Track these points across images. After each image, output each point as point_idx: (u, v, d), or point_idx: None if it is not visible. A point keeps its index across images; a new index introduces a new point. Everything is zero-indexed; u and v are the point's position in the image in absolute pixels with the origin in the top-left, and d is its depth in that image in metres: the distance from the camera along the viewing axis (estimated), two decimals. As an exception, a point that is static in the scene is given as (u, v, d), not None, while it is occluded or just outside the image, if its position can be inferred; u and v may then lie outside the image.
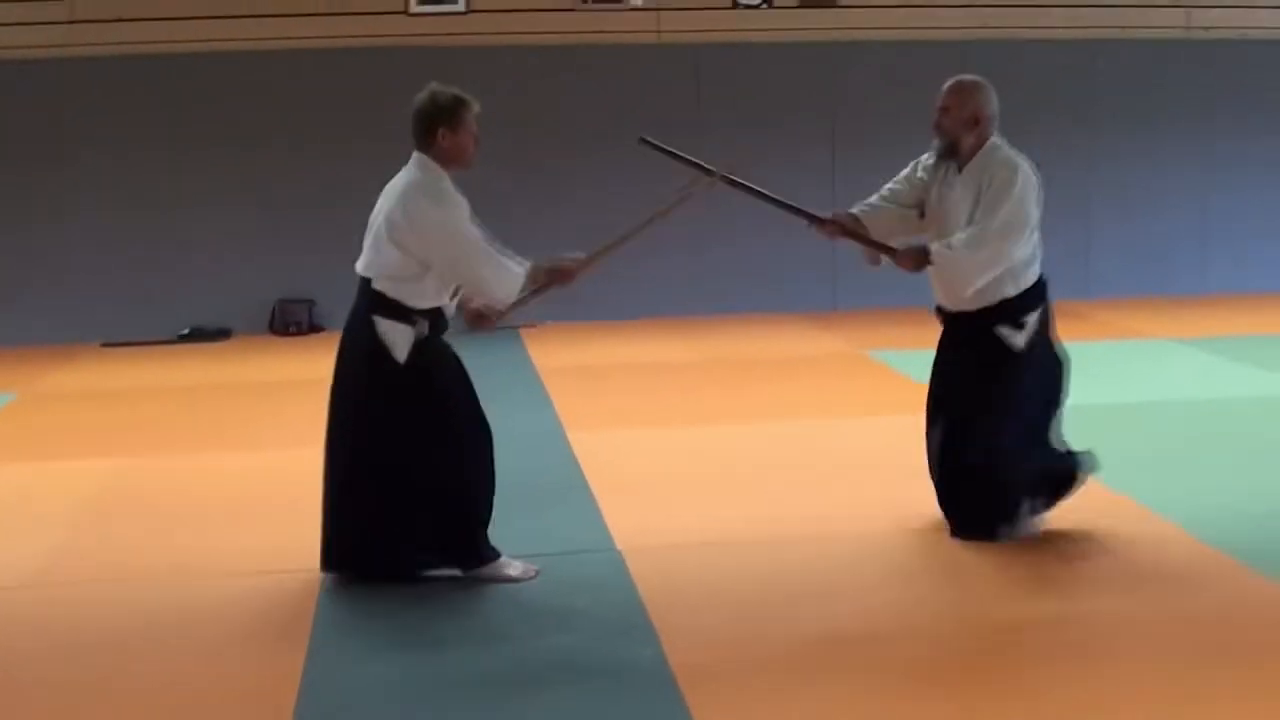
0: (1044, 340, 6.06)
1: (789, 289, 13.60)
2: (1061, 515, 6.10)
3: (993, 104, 6.02)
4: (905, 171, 6.28)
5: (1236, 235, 14.29)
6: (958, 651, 4.97)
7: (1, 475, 7.95)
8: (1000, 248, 5.84)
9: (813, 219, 6.19)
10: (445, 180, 5.65)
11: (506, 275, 5.63)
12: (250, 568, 6.09)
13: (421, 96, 5.70)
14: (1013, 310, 5.99)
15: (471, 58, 13.01)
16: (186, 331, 12.94)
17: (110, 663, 5.06)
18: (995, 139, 6.02)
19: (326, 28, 12.98)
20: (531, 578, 5.76)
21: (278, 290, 13.17)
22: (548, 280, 5.79)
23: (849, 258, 13.05)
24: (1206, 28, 13.99)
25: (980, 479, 6.00)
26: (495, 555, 5.80)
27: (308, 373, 10.96)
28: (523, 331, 12.27)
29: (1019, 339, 5.97)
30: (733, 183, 6.27)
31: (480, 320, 5.83)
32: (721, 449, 8.07)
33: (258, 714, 4.53)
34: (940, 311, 6.23)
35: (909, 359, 10.01)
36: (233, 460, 8.16)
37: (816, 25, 13.52)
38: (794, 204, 6.21)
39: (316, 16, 12.95)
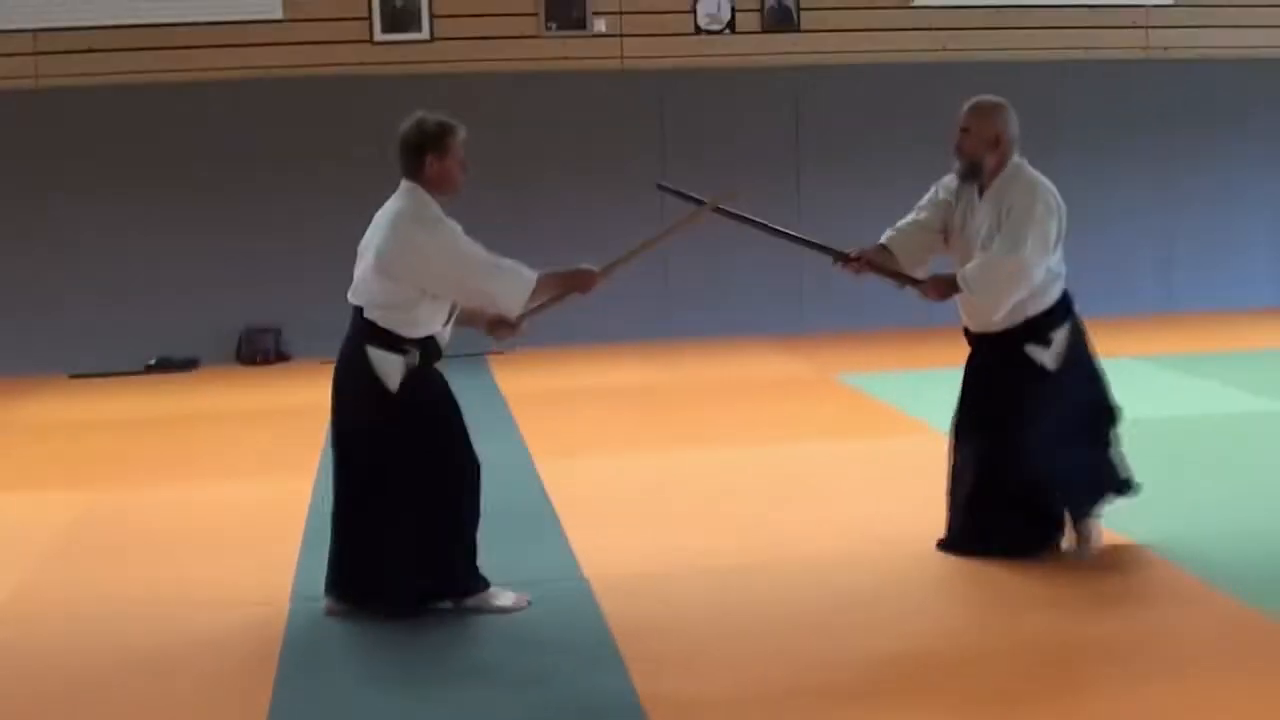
0: (1077, 356, 6.12)
1: (755, 311, 13.64)
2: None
3: (1013, 124, 6.03)
4: (928, 195, 6.26)
5: (1198, 253, 14.39)
6: (934, 673, 5.00)
7: (-33, 510, 7.94)
8: (1023, 269, 5.88)
9: (839, 256, 6.19)
10: (434, 206, 5.62)
11: (515, 282, 5.62)
12: (218, 599, 6.08)
13: (407, 124, 5.67)
14: (1039, 328, 6.05)
15: (437, 86, 13.03)
16: (153, 362, 12.91)
17: (74, 697, 5.04)
18: (1017, 159, 6.04)
19: (293, 57, 12.98)
20: (524, 608, 5.76)
21: (244, 319, 13.14)
22: (566, 286, 5.78)
23: (815, 280, 13.09)
24: (1165, 48, 14.11)
25: (1026, 498, 6.06)
26: (485, 585, 5.80)
27: (275, 402, 10.98)
28: (489, 358, 12.27)
29: (1048, 357, 6.03)
30: (741, 219, 6.32)
31: (499, 327, 5.81)
32: (688, 474, 8.08)
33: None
34: (967, 333, 6.28)
35: (875, 382, 10.06)
36: (201, 491, 8.14)
37: (778, 50, 13.60)
38: (820, 242, 6.26)
39: (282, 46, 12.96)
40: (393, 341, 5.59)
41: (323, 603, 5.83)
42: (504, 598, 5.79)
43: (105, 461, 9.13)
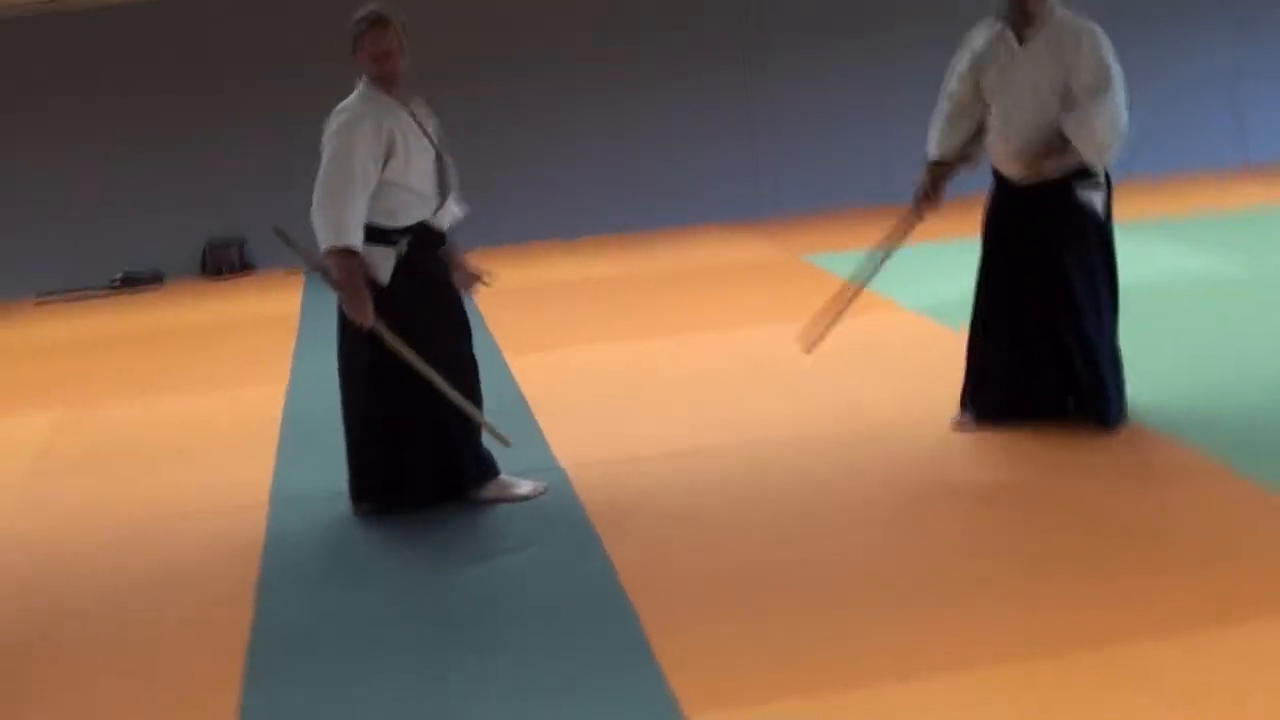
0: (1108, 216, 5.97)
1: (715, 198, 13.53)
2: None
3: None
4: (950, 76, 6.09)
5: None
6: (907, 558, 5.05)
7: (-58, 434, 7.94)
8: (1119, 103, 5.75)
9: (916, 216, 6.21)
10: (362, 103, 5.49)
11: (328, 229, 5.35)
12: (197, 507, 6.12)
13: None
14: (1089, 171, 5.85)
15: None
16: (119, 278, 12.85)
17: (61, 607, 5.09)
18: (1060, 9, 5.89)
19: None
20: (541, 494, 5.80)
21: (207, 231, 13.07)
22: (345, 288, 5.40)
23: (775, 165, 13.02)
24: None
25: (1087, 361, 5.93)
26: (496, 472, 5.80)
27: (243, 313, 10.95)
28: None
29: (1099, 200, 5.88)
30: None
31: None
32: (659, 363, 8.10)
33: (211, 652, 4.57)
34: (1001, 186, 6.08)
35: (843, 261, 10.03)
36: (175, 404, 8.16)
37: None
38: (892, 235, 6.26)
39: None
40: (380, 234, 5.48)
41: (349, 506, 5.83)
42: (522, 486, 5.82)
43: (77, 381, 9.12)
